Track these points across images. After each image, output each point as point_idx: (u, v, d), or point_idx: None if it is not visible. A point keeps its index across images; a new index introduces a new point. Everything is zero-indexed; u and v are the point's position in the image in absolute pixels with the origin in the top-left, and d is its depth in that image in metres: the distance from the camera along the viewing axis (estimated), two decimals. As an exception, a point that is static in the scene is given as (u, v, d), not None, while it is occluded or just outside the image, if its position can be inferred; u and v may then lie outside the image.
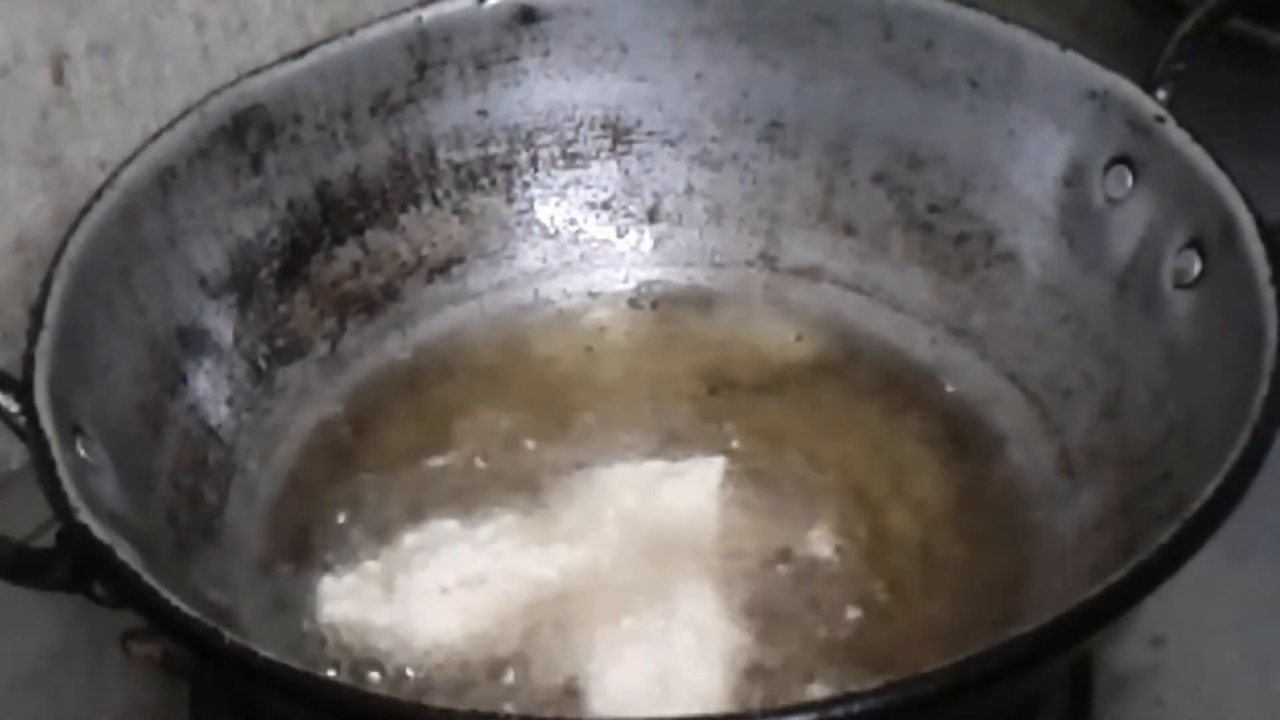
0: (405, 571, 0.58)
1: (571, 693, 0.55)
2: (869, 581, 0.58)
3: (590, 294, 0.71)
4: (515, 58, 0.70)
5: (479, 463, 0.63)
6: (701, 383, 0.67)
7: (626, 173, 0.72)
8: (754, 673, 0.55)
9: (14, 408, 0.52)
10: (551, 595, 0.58)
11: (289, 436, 0.65)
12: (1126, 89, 0.62)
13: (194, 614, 0.46)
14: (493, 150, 0.71)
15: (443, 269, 0.71)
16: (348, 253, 0.69)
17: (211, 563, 0.58)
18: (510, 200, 0.72)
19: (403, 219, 0.70)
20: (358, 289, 0.69)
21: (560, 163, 0.72)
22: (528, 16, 0.69)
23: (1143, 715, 0.60)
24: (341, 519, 0.62)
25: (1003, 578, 0.58)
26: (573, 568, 0.58)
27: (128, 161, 0.61)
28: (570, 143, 0.72)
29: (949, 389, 0.66)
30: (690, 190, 0.72)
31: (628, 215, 0.72)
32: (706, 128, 0.71)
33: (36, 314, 0.54)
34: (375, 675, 0.56)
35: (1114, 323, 0.61)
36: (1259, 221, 0.55)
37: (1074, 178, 0.64)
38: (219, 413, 0.63)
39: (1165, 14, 0.67)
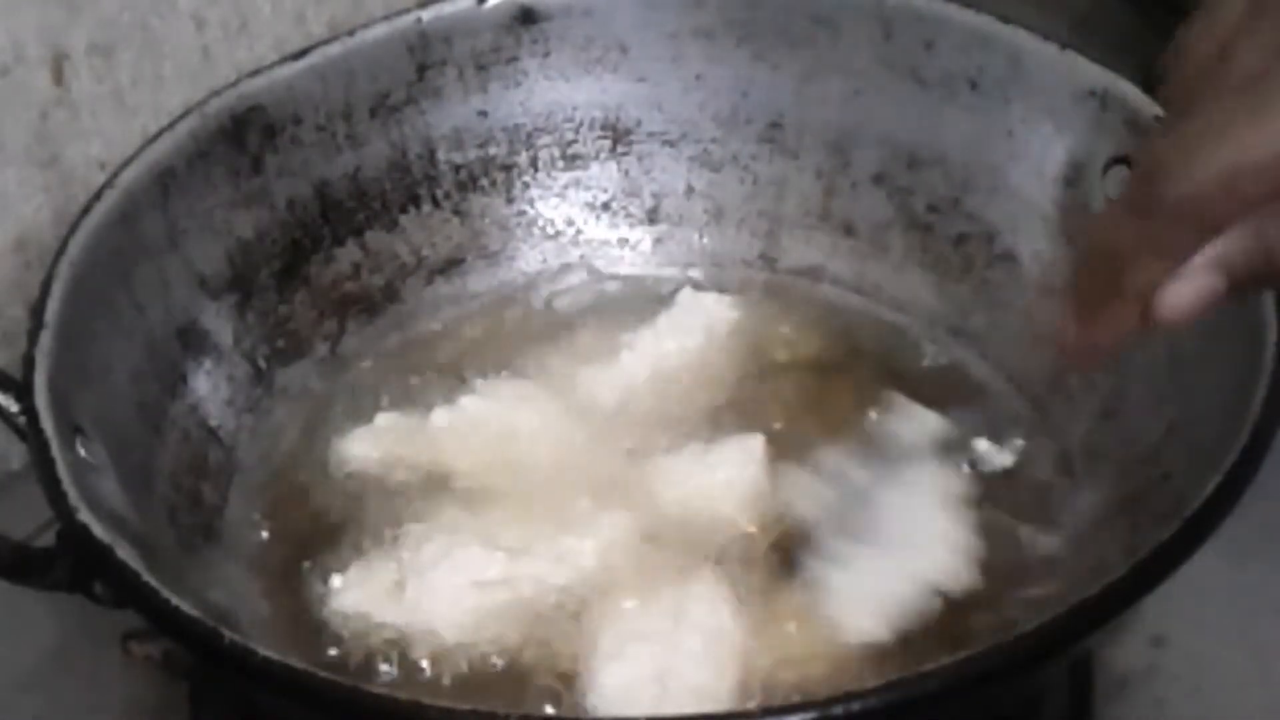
0: (413, 568, 0.58)
1: (574, 691, 0.55)
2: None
3: (590, 294, 0.71)
4: (515, 59, 0.70)
5: (485, 461, 0.63)
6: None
7: (626, 174, 0.72)
8: (753, 672, 0.55)
9: (14, 408, 0.52)
10: (562, 592, 0.57)
11: (289, 436, 0.65)
12: (1126, 89, 0.62)
13: (194, 614, 0.47)
14: (492, 151, 0.71)
15: (443, 270, 0.71)
16: (347, 253, 0.69)
17: (211, 563, 0.58)
18: (510, 201, 0.72)
19: (403, 220, 0.70)
20: (358, 290, 0.69)
21: (560, 164, 0.72)
22: (528, 17, 0.69)
23: (1143, 715, 0.60)
24: (344, 519, 0.61)
25: (1003, 577, 0.58)
26: (583, 566, 0.58)
27: (128, 162, 0.61)
28: (570, 144, 0.72)
29: (949, 389, 0.66)
30: (690, 191, 0.72)
31: (628, 216, 0.73)
32: (706, 128, 0.71)
33: (36, 314, 0.54)
34: (378, 673, 0.56)
35: (1114, 323, 0.61)
36: (1259, 221, 0.55)
37: (1074, 178, 0.64)
38: (219, 413, 0.63)
39: (1165, 14, 0.67)
